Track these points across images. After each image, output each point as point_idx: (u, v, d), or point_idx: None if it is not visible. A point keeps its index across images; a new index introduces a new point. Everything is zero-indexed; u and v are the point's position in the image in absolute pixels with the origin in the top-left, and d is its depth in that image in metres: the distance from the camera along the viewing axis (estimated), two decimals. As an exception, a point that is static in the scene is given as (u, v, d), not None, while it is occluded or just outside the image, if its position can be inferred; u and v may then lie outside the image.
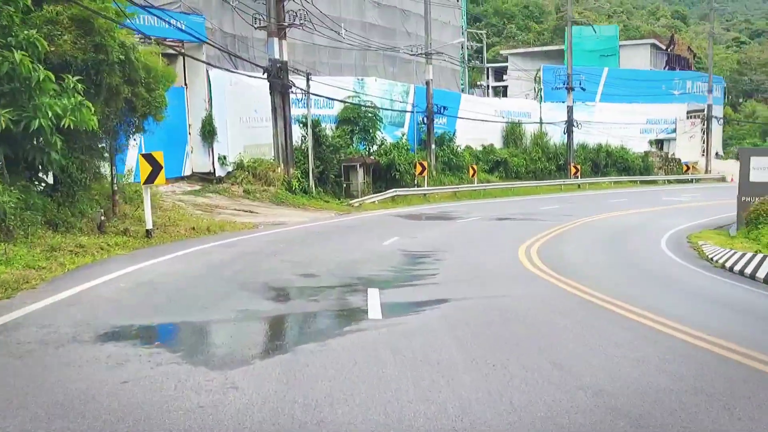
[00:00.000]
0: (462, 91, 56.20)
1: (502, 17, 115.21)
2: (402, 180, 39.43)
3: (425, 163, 40.16)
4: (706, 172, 64.61)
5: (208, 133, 32.73)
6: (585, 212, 32.13)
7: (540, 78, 63.28)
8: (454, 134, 48.71)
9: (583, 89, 56.88)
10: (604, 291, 12.08)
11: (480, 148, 52.76)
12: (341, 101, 38.93)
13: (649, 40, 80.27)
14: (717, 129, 71.19)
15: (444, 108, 45.56)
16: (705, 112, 70.36)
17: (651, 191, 52.42)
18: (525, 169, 53.95)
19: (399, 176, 39.22)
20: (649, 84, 66.50)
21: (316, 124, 35.22)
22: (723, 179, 63.10)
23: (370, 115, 41.29)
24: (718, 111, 71.81)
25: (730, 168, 69.67)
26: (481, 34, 67.68)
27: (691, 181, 61.66)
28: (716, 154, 70.97)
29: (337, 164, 36.26)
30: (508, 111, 57.25)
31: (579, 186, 53.33)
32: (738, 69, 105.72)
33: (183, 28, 27.31)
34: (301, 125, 35.06)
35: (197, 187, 31.33)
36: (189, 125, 32.61)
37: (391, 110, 44.06)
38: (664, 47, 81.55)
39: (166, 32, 27.63)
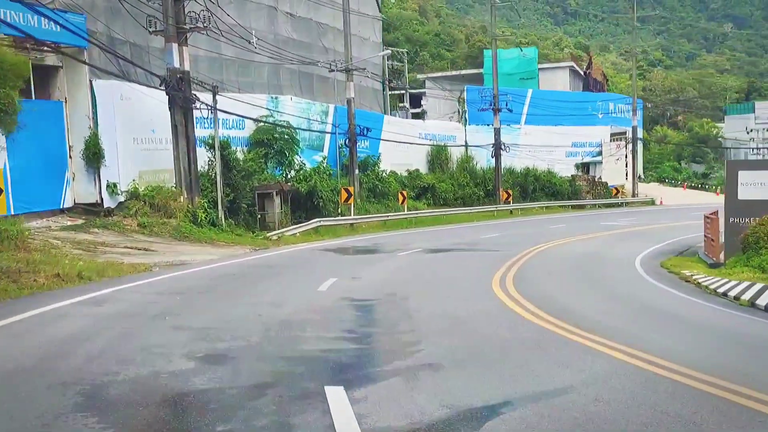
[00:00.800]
0: (384, 112, 52.30)
1: (414, 45, 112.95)
2: (325, 209, 34.83)
3: (351, 190, 35.73)
4: (633, 195, 62.73)
5: (94, 156, 27.25)
6: (530, 240, 28.68)
7: (464, 99, 60.13)
8: (378, 158, 44.56)
9: (510, 110, 53.92)
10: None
11: (405, 174, 48.83)
12: (255, 120, 34.20)
13: (567, 63, 78.90)
14: (639, 152, 69.87)
15: (367, 129, 41.33)
16: (628, 134, 68.96)
17: (586, 216, 49.64)
18: (453, 196, 50.31)
19: (322, 204, 34.61)
20: (573, 106, 64.41)
21: (225, 145, 30.31)
22: (652, 202, 61.26)
23: (286, 136, 36.69)
24: (638, 133, 70.65)
25: (653, 191, 68.35)
26: (402, 52, 64.17)
27: (621, 204, 59.49)
28: (639, 177, 69.61)
29: (250, 192, 31.36)
30: (432, 134, 53.65)
31: (511, 212, 50.01)
32: (644, 95, 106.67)
33: (59, 26, 21.97)
34: (208, 147, 30.06)
35: (80, 222, 25.80)
36: (69, 147, 27.09)
37: (310, 131, 39.57)
38: (581, 70, 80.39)
39: (34, 31, 22.31)
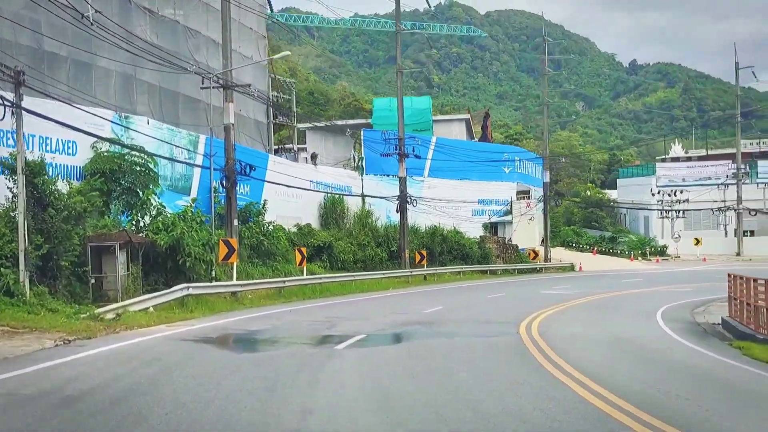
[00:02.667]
0: (269, 151, 42.28)
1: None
2: (194, 271, 24.09)
3: (234, 243, 25.18)
4: (546, 260, 55.44)
5: None
6: (494, 312, 21.69)
7: (361, 143, 51.11)
8: (262, 207, 34.37)
9: (418, 157, 45.46)
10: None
11: (294, 229, 38.81)
12: (94, 136, 23.39)
13: (463, 115, 72.14)
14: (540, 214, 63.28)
15: (250, 168, 31.09)
16: (532, 193, 62.41)
17: (512, 282, 41.38)
18: (353, 257, 40.61)
19: (189, 264, 23.84)
20: (479, 157, 56.99)
21: (36, 168, 19.31)
22: (572, 267, 54.16)
23: (139, 168, 25.98)
24: (539, 193, 64.50)
25: (561, 255, 61.56)
26: (291, 83, 54.48)
27: (539, 270, 51.92)
28: (542, 240, 62.96)
29: (78, 243, 20.33)
30: (326, 183, 44.16)
31: (425, 278, 40.87)
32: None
33: None
34: (9, 172, 19.10)
35: None
36: None
37: (173, 160, 29.04)
38: (478, 124, 73.95)
39: None
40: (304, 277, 28.93)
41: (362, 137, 50.42)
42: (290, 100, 44.99)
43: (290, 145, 48.24)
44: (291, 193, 39.80)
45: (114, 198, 24.95)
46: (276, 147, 44.86)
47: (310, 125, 70.58)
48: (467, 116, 71.56)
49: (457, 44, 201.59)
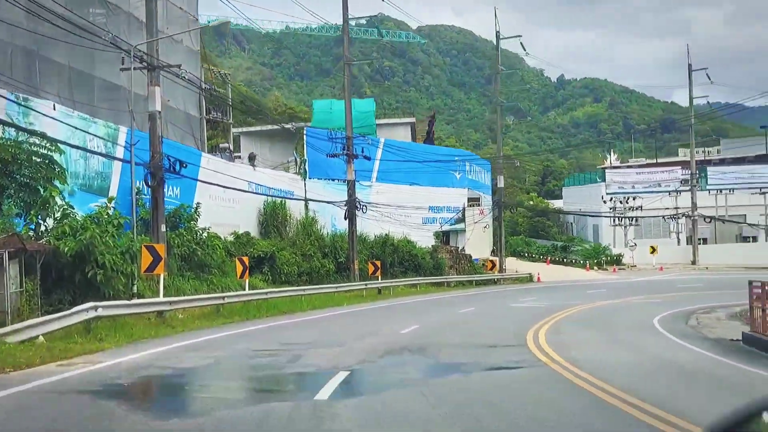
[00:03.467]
0: (201, 150, 37.20)
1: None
2: (110, 285, 19.15)
3: (160, 249, 20.27)
4: (501, 270, 51.81)
5: None
6: (479, 334, 17.94)
7: (303, 146, 46.51)
8: (195, 211, 29.50)
9: (368, 158, 41.21)
10: None
11: (231, 238, 34.07)
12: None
13: (408, 119, 68.32)
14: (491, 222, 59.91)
15: (180, 164, 26.22)
16: (482, 200, 58.99)
17: (475, 296, 37.54)
18: (297, 269, 36.06)
19: (102, 278, 18.89)
20: (430, 161, 53.14)
21: None
22: (530, 278, 50.66)
23: (41, 160, 20.94)
24: (489, 200, 61.21)
25: (515, 265, 58.25)
26: (227, 74, 49.43)
27: (496, 281, 48.26)
28: (492, 250, 59.59)
29: (-50, 251, 15.30)
30: (265, 187, 39.50)
31: (380, 291, 36.55)
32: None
33: None
34: None
35: None
36: None
37: (86, 150, 24.00)
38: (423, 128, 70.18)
39: None
40: (247, 291, 24.20)
41: (305, 136, 45.83)
42: (226, 94, 40.15)
43: (226, 144, 43.28)
44: (227, 197, 35.06)
45: (6, 196, 19.86)
46: (210, 146, 39.96)
47: (245, 130, 65.69)
48: (412, 120, 67.79)
49: (389, 58, 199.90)
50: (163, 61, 25.69)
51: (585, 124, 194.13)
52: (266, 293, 24.53)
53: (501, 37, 54.07)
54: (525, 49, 56.09)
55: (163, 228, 24.84)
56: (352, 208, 39.38)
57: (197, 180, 29.44)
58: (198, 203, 29.85)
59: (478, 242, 52.89)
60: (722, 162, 77.87)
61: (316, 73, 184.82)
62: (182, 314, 19.98)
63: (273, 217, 38.88)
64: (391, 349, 14.16)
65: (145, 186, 25.49)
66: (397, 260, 44.43)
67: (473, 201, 58.22)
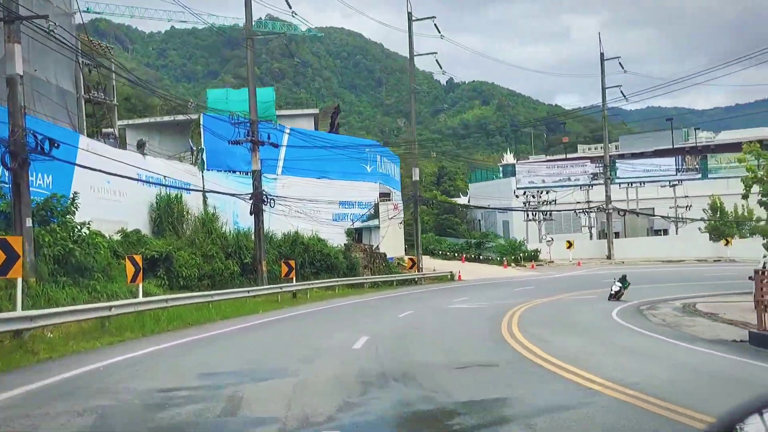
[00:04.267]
0: (78, 131, 31.26)
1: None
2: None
3: (15, 243, 14.88)
4: (418, 269, 48.07)
5: None
6: (449, 347, 14.37)
7: (200, 135, 41.12)
8: (72, 204, 24.00)
9: (275, 145, 36.49)
10: None
11: (119, 236, 28.67)
12: None
13: (311, 110, 63.71)
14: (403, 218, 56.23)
15: (51, 143, 20.77)
16: (392, 196, 55.23)
17: (402, 297, 33.66)
18: (198, 272, 30.99)
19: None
20: (339, 152, 48.80)
21: None
22: (451, 277, 47.12)
23: None
24: (399, 196, 57.55)
25: (429, 263, 54.76)
26: (109, 48, 42.96)
27: (416, 281, 44.47)
28: (405, 249, 55.97)
29: None
30: (158, 178, 34.09)
31: (295, 295, 31.87)
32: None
33: None
34: None
35: None
36: None
37: None
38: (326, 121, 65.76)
39: None
40: (142, 300, 19.02)
41: (201, 124, 40.53)
42: (108, 73, 34.24)
43: (110, 129, 37.34)
44: (113, 188, 29.68)
45: None
46: (91, 132, 34.09)
47: (130, 122, 59.30)
48: (315, 111, 63.20)
49: (279, 60, 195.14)
50: (26, 9, 20.35)
51: (474, 125, 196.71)
52: (166, 300, 19.46)
53: (415, 54, 50.20)
54: (441, 67, 52.83)
55: (28, 222, 19.53)
56: (258, 201, 34.56)
57: (74, 164, 23.94)
58: (75, 193, 24.32)
59: (392, 240, 49.05)
60: (622, 157, 77.35)
61: (204, 75, 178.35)
62: (53, 333, 14.81)
63: (168, 213, 33.59)
64: (363, 376, 9.83)
65: (3, 169, 20.06)
66: (308, 260, 39.90)
67: (384, 196, 54.33)
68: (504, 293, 34.69)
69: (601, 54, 61.96)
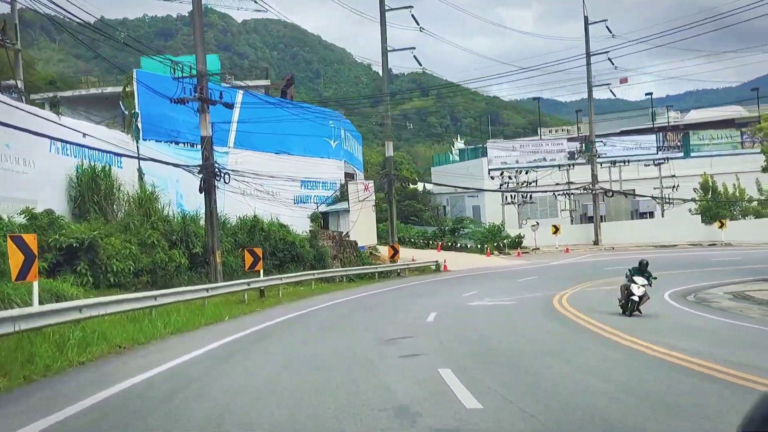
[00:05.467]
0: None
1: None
2: None
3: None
4: (392, 259, 41.14)
5: None
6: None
7: (133, 93, 33.21)
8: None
9: (229, 105, 29.03)
10: None
11: (24, 219, 21.11)
12: None
13: (262, 81, 56.00)
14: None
15: None
16: (357, 177, 48.37)
17: (391, 291, 26.95)
18: (134, 265, 23.55)
19: None
20: (299, 126, 41.63)
21: None
22: (437, 267, 40.46)
23: None
24: (362, 177, 50.63)
25: (404, 253, 47.99)
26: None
27: (399, 273, 37.70)
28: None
29: None
30: (79, 147, 26.34)
31: (263, 293, 24.68)
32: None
33: None
34: None
35: None
36: None
37: None
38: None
39: None
40: (38, 309, 11.40)
41: (135, 79, 32.67)
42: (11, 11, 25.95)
43: (12, 81, 29.19)
44: (14, 155, 22.06)
45: None
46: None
47: (50, 95, 50.79)
48: (267, 82, 55.55)
49: (213, 51, 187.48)
50: None
51: (415, 117, 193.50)
52: (79, 309, 11.79)
53: (389, 49, 42.90)
54: (420, 64, 46.06)
55: None
56: (210, 175, 27.23)
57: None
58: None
59: (363, 226, 42.15)
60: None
61: (137, 65, 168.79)
62: None
63: (93, 190, 25.98)
64: None
65: None
66: (269, 249, 32.71)
67: (349, 177, 47.39)
68: (511, 285, 28.74)
69: (585, 18, 56.17)
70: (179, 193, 33.14)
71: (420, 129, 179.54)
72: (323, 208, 42.39)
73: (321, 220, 41.62)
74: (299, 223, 38.15)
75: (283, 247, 34.12)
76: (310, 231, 38.32)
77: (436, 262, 40.77)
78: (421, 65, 48.94)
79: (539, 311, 18.54)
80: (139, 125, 32.16)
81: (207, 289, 18.60)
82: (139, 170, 30.33)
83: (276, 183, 36.69)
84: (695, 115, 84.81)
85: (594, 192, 56.11)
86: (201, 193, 27.32)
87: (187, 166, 27.64)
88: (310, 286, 29.20)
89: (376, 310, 19.34)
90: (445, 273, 38.62)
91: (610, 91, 58.78)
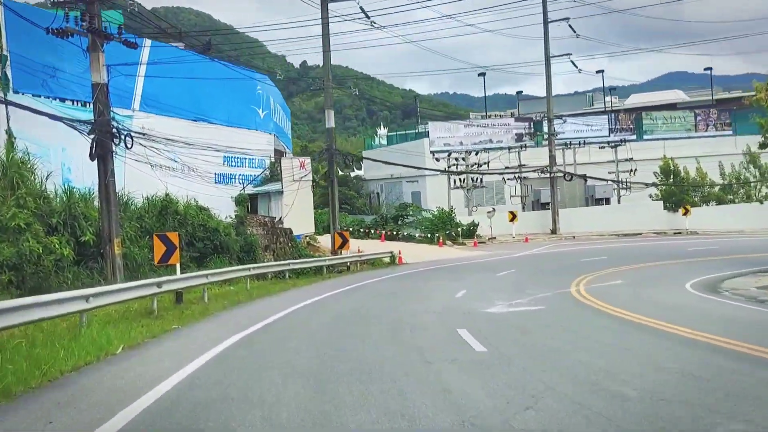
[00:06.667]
0: None
1: None
2: None
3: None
4: (336, 252, 34.00)
5: None
6: None
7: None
8: None
9: (133, 44, 21.43)
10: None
11: None
12: None
13: (177, 43, 47.89)
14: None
15: None
16: (285, 154, 41.22)
17: (353, 291, 20.11)
18: (-12, 259, 15.98)
19: None
20: (222, 89, 34.10)
21: None
22: (392, 259, 33.72)
23: None
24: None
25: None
26: None
27: (349, 267, 30.74)
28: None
29: None
30: None
31: (180, 298, 17.25)
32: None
33: None
34: None
35: None
36: None
37: None
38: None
39: None
40: None
41: (1, 7, 24.41)
42: None
43: None
44: None
45: None
46: None
47: None
48: (181, 45, 47.50)
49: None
50: None
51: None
52: None
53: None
54: (370, 19, 38.75)
55: None
56: (106, 136, 19.83)
57: None
58: None
59: (300, 211, 35.10)
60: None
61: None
62: None
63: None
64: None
65: None
66: (186, 238, 25.36)
67: (279, 155, 40.14)
68: (499, 282, 23.36)
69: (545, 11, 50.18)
70: (66, 166, 25.41)
71: (336, 121, 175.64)
72: (251, 189, 35.00)
73: (248, 203, 34.25)
74: (222, 206, 30.74)
75: (203, 235, 26.86)
76: (235, 216, 31.00)
77: (391, 253, 34.02)
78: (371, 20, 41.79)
79: (600, 320, 12.54)
80: (8, 72, 24.06)
81: (87, 298, 11.11)
82: (8, 132, 22.44)
83: (193, 155, 29.24)
84: (635, 100, 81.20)
85: (552, 175, 50.53)
86: (93, 161, 19.87)
87: (74, 120, 20.06)
88: (244, 286, 21.96)
89: (371, 326, 12.47)
90: (402, 267, 31.94)
91: (572, 62, 53.42)
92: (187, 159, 30.01)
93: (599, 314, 13.92)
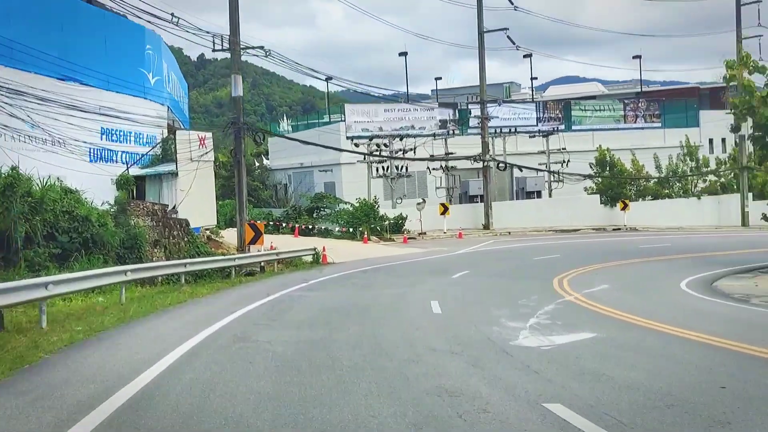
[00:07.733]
0: None
1: None
2: None
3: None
4: (244, 248, 27.49)
5: None
6: None
7: None
8: None
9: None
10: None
11: None
12: None
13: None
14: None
15: None
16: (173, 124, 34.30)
17: (280, 306, 13.93)
18: None
19: None
20: (102, 44, 27.01)
21: None
22: (316, 258, 27.44)
23: None
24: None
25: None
26: None
27: (262, 268, 24.35)
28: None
29: None
30: None
31: (1, 322, 10.67)
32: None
33: None
34: None
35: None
36: None
37: None
38: None
39: None
40: None
41: None
42: None
43: None
44: None
45: None
46: None
47: None
48: None
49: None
50: None
51: (228, 104, 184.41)
52: None
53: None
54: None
55: None
56: None
57: None
58: None
59: (198, 198, 28.48)
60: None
61: None
62: None
63: None
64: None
65: None
66: (44, 229, 18.52)
67: (171, 133, 33.23)
68: (459, 288, 18.06)
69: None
70: None
71: (235, 116, 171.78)
72: (137, 170, 27.99)
73: (134, 187, 27.22)
74: (99, 190, 23.67)
75: (69, 225, 19.94)
76: (116, 204, 24.03)
77: (314, 251, 27.74)
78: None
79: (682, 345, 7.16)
80: None
81: None
82: None
83: (56, 120, 22.26)
84: (555, 92, 77.89)
85: (486, 164, 45.45)
86: None
87: None
88: (117, 297, 15.36)
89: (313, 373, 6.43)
90: (330, 268, 25.72)
91: (508, 37, 48.45)
92: (50, 127, 23.07)
93: (663, 337, 8.72)
